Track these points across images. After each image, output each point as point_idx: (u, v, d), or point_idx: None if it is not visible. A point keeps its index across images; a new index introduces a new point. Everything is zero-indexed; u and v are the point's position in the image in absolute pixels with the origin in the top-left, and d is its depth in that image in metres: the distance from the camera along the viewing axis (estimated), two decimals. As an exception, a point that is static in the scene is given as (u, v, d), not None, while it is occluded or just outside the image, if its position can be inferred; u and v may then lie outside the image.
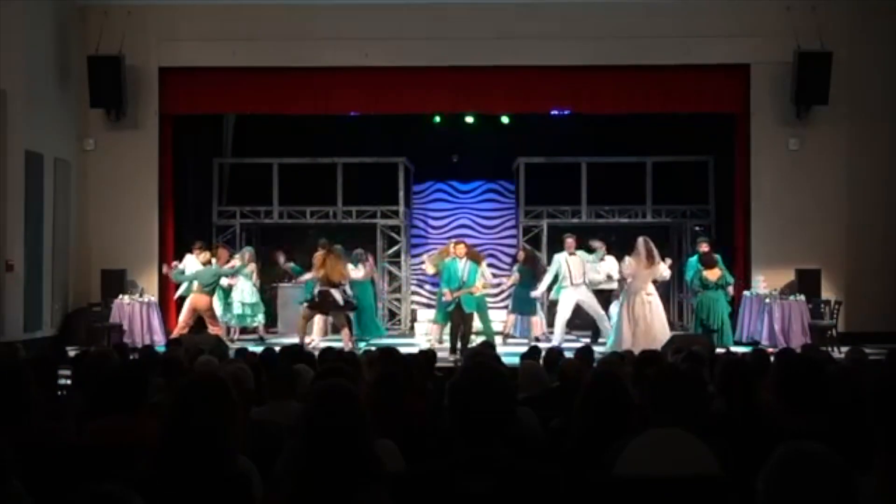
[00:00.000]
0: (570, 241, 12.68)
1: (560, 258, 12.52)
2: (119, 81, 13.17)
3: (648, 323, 11.22)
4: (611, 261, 12.94)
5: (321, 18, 13.52)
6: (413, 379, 4.95)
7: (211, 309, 12.41)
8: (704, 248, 12.27)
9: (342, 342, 11.72)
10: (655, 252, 11.52)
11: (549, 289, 13.01)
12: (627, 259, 11.68)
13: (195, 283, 12.33)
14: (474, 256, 12.43)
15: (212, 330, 12.06)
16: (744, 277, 13.24)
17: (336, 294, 12.07)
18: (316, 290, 12.17)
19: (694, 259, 12.38)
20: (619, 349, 10.42)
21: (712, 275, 11.79)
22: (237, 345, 11.07)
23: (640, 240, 11.61)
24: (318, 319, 12.80)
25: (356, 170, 15.21)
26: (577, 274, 12.37)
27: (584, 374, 5.12)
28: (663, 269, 11.62)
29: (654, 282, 11.63)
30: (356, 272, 12.93)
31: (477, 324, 12.47)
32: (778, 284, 13.03)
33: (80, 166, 13.59)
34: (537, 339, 12.48)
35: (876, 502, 2.28)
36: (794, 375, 3.95)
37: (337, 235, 13.83)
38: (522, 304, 13.29)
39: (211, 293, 12.38)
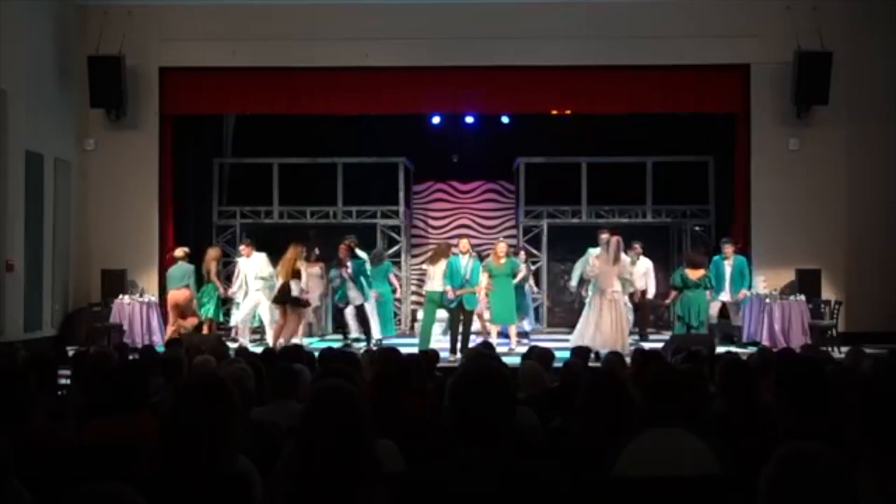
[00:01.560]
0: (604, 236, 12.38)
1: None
2: (119, 81, 13.16)
3: (609, 322, 11.26)
4: (644, 262, 13.13)
5: (321, 18, 13.51)
6: (413, 379, 4.95)
7: (189, 302, 12.61)
8: (729, 250, 12.51)
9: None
10: (613, 251, 11.51)
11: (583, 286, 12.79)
12: (592, 259, 11.72)
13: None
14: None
15: (187, 322, 12.34)
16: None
17: (294, 286, 12.03)
18: (278, 284, 12.16)
19: (717, 258, 12.59)
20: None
21: (694, 274, 11.90)
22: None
23: (613, 238, 11.64)
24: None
25: (356, 170, 15.22)
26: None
27: (584, 374, 5.13)
28: (627, 267, 11.78)
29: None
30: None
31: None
32: (778, 284, 13.02)
33: (80, 166, 13.59)
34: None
35: (866, 500, 2.28)
36: (796, 375, 3.95)
37: (337, 235, 13.82)
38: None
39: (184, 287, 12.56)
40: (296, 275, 11.97)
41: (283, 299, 11.97)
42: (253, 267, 12.49)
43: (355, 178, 15.16)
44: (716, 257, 12.69)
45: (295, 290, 11.95)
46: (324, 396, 2.60)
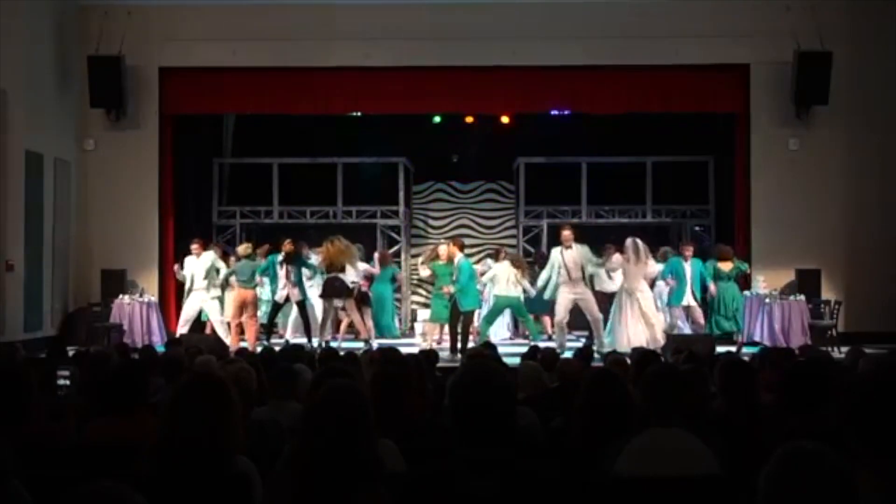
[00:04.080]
0: (566, 233, 11.95)
1: (556, 252, 11.92)
2: (119, 81, 13.16)
3: (640, 320, 11.34)
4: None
5: (321, 18, 13.51)
6: (413, 379, 4.95)
7: (256, 301, 12.37)
8: (688, 251, 12.39)
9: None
10: (643, 251, 11.61)
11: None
12: (616, 256, 11.76)
13: (233, 280, 12.36)
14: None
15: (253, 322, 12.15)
16: (744, 277, 13.22)
17: (343, 278, 12.03)
18: (323, 278, 12.15)
19: (675, 260, 12.32)
20: (619, 348, 10.47)
21: (725, 266, 12.07)
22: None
23: (629, 240, 11.68)
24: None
25: (356, 170, 15.21)
26: (573, 269, 11.69)
27: (584, 374, 5.12)
28: (652, 267, 11.80)
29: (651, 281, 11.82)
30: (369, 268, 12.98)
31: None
32: (778, 284, 13.00)
33: (80, 166, 13.59)
34: (549, 338, 12.33)
35: (866, 500, 2.28)
36: (799, 376, 3.95)
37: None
38: (535, 303, 13.12)
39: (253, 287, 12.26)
40: (336, 269, 12.01)
41: (337, 293, 12.05)
42: (201, 266, 12.44)
43: (355, 178, 15.17)
44: (673, 259, 12.29)
45: (348, 281, 12.05)
46: (328, 396, 2.60)
